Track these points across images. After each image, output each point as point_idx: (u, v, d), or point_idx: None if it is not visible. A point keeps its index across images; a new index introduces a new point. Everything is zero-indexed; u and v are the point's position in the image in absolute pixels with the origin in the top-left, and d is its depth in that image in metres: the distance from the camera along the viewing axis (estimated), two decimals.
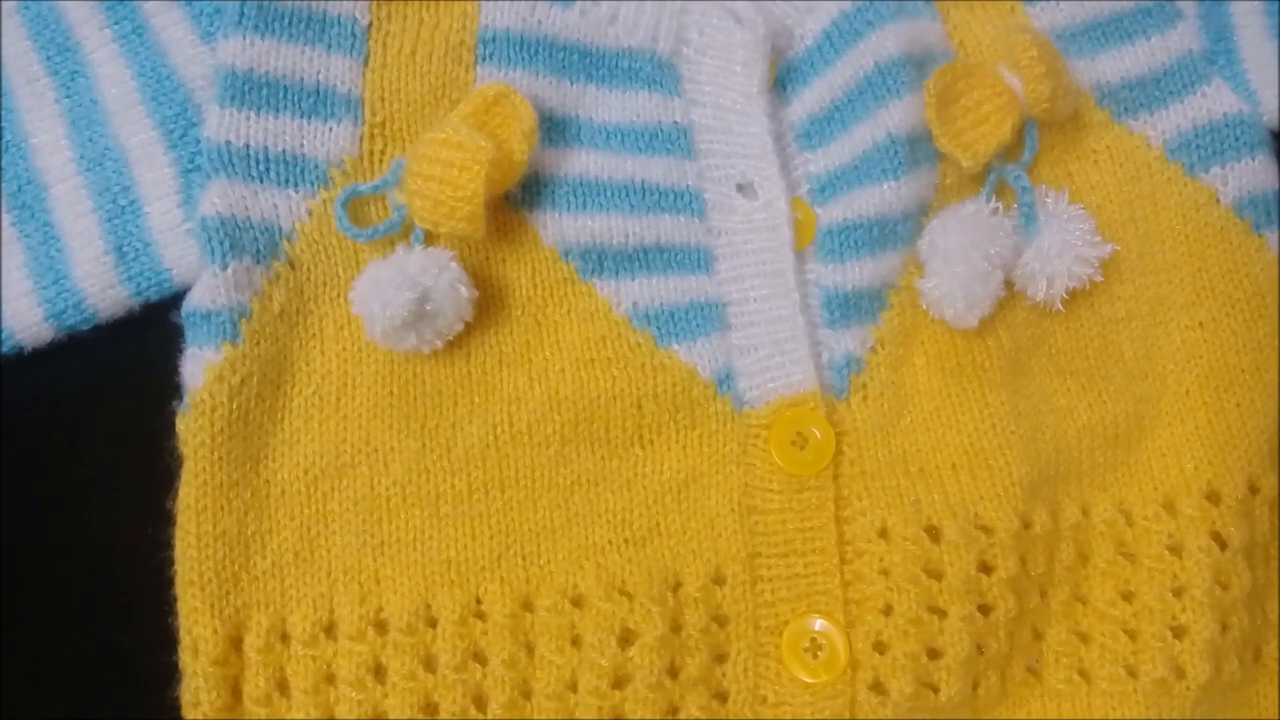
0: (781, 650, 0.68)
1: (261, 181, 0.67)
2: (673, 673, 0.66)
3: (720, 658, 0.68)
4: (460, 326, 0.67)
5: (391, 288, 0.64)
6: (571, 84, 0.70)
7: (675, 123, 0.70)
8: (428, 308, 0.65)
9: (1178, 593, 0.69)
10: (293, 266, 0.67)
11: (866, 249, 0.70)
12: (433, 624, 0.66)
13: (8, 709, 0.69)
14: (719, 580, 0.68)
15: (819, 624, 0.68)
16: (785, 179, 0.70)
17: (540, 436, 0.68)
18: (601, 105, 0.70)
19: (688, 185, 0.70)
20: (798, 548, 0.68)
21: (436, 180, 0.65)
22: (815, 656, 0.67)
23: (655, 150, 0.70)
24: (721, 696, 0.67)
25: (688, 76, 0.71)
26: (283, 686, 0.66)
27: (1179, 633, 0.69)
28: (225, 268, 0.65)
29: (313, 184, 0.68)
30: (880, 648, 0.68)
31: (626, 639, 0.66)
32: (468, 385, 0.68)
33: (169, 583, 0.66)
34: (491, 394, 0.68)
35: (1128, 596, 0.70)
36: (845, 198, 0.70)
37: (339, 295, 0.68)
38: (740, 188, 0.70)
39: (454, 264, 0.66)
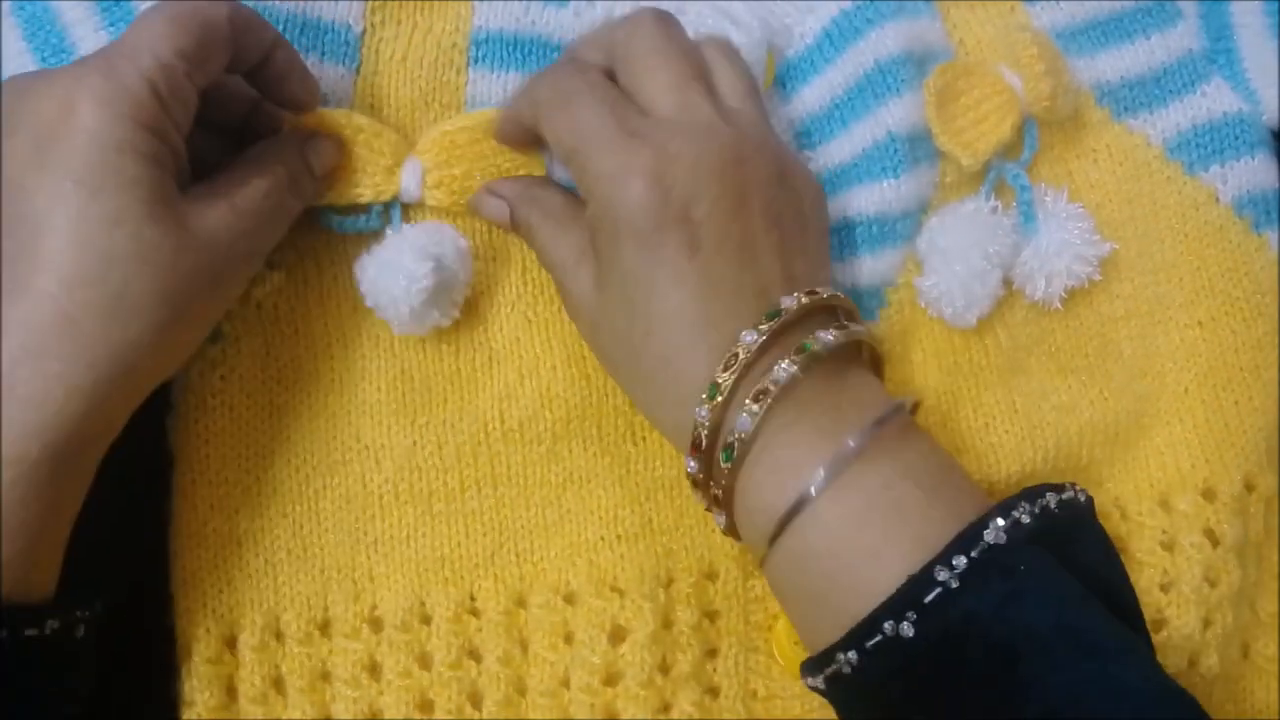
0: (771, 644, 0.68)
1: None
2: (664, 669, 0.66)
3: (711, 653, 0.68)
4: (468, 291, 0.68)
5: (410, 261, 0.65)
6: None
7: None
8: (443, 275, 0.66)
9: (1165, 587, 0.69)
10: (270, 266, 0.68)
11: (865, 247, 0.70)
12: (427, 621, 0.67)
13: None
14: (711, 576, 0.68)
15: None
16: None
17: (532, 434, 0.68)
18: None
19: None
20: None
21: (462, 170, 0.67)
22: (805, 650, 0.67)
23: None
24: (713, 692, 0.68)
25: None
26: (278, 684, 0.66)
27: (1158, 625, 0.69)
28: None
29: None
30: None
31: (618, 636, 0.66)
32: (458, 382, 0.68)
33: (164, 581, 0.66)
34: (482, 391, 0.68)
35: None
36: (845, 195, 0.70)
37: (324, 294, 0.68)
38: None
39: (448, 227, 0.67)
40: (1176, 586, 0.69)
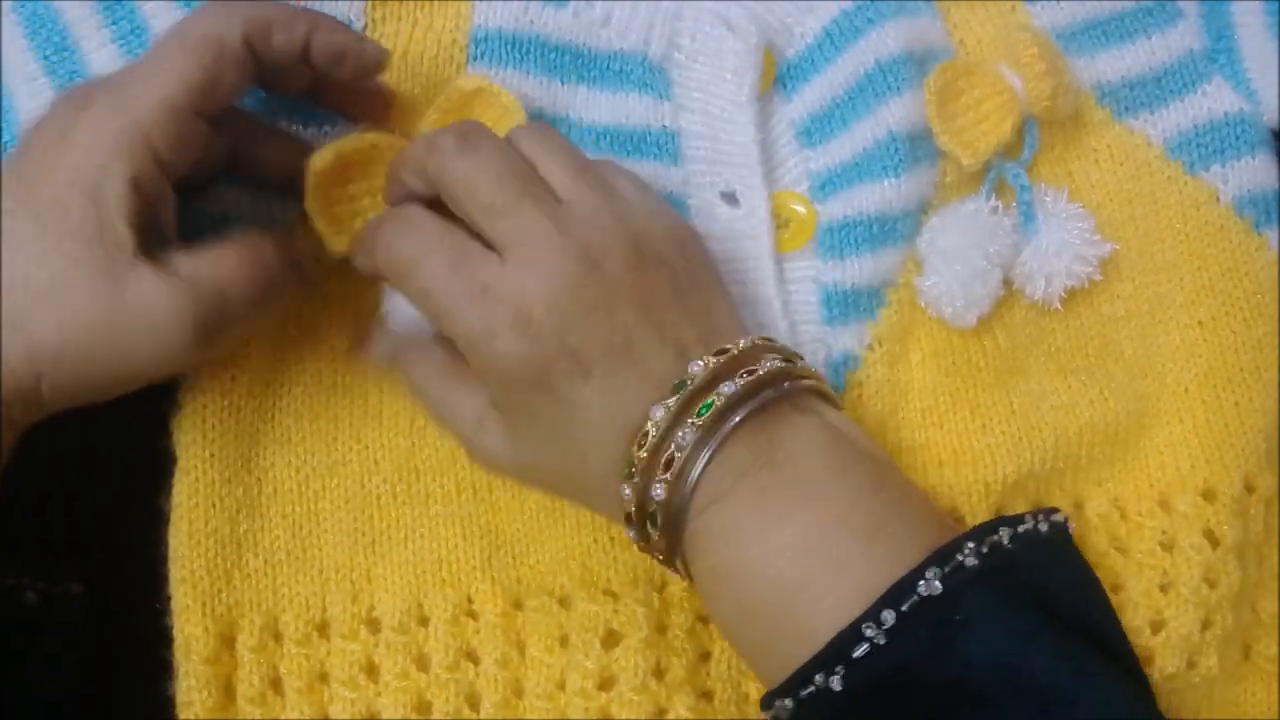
0: None
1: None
2: (659, 674, 0.66)
3: (704, 656, 0.68)
4: None
5: None
6: (562, 84, 0.70)
7: (664, 127, 0.71)
8: None
9: (1164, 588, 0.69)
10: None
11: (866, 246, 0.70)
12: (425, 623, 0.67)
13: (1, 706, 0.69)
14: None
15: None
16: (769, 188, 0.70)
17: None
18: (591, 106, 0.70)
19: (671, 191, 0.70)
20: None
21: None
22: None
23: (642, 154, 0.70)
24: (707, 696, 0.67)
25: (678, 82, 0.70)
26: (276, 685, 0.66)
27: (1157, 626, 0.69)
28: None
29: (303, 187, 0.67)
30: None
31: (612, 640, 0.66)
32: None
33: (163, 581, 0.66)
34: None
35: (1115, 588, 0.69)
36: (845, 194, 0.70)
37: (328, 295, 0.68)
38: (724, 195, 0.70)
39: None
40: (1175, 588, 0.69)
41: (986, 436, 0.69)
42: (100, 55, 0.68)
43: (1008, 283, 0.71)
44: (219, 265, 0.60)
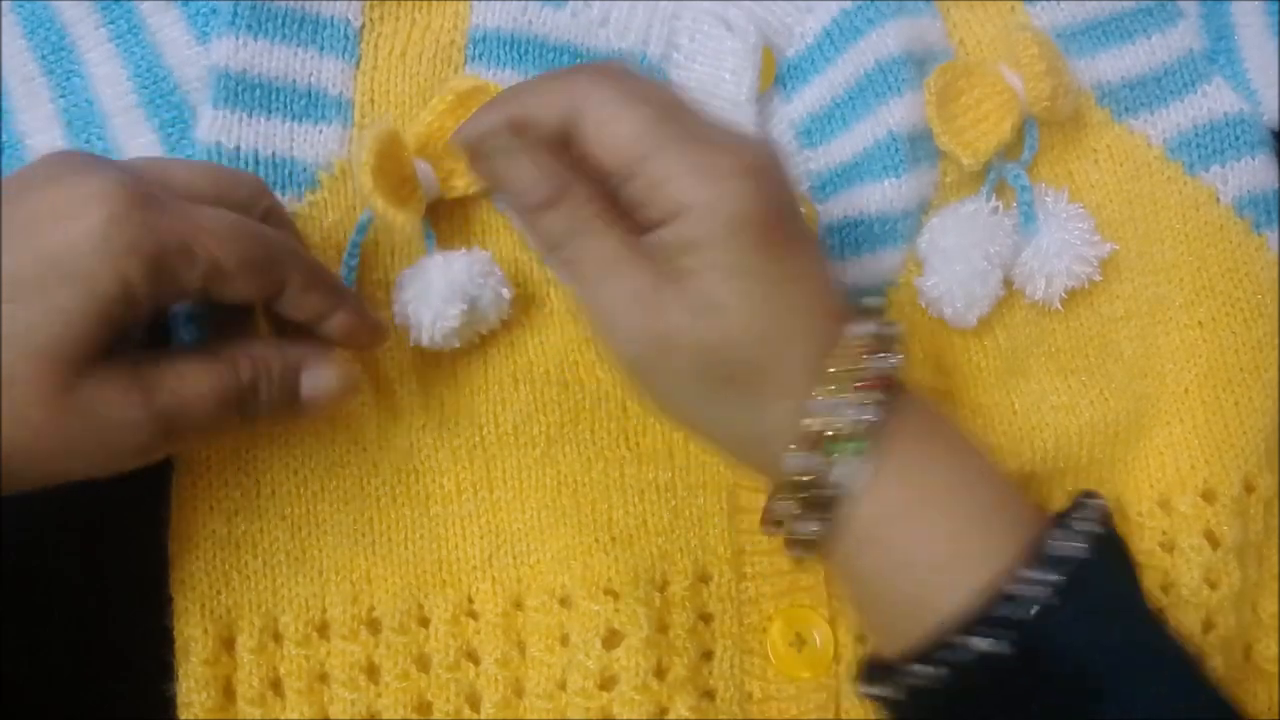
0: (766, 646, 0.68)
1: None
2: (660, 673, 0.66)
3: (706, 656, 0.68)
4: (499, 324, 0.67)
5: (440, 300, 0.64)
6: None
7: None
8: (474, 313, 0.65)
9: (1165, 589, 0.69)
10: None
11: (867, 246, 0.70)
12: (425, 623, 0.67)
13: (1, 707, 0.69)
14: (704, 578, 0.68)
15: (804, 618, 0.68)
16: None
17: (526, 437, 0.68)
18: None
19: None
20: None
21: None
22: (800, 651, 0.68)
23: None
24: (709, 695, 0.67)
25: (677, 81, 0.70)
26: (276, 686, 0.66)
27: None
28: None
29: (300, 187, 0.67)
30: (864, 641, 0.68)
31: (613, 640, 0.66)
32: (454, 385, 0.68)
33: (163, 582, 0.66)
34: (477, 394, 0.68)
35: None
36: (846, 195, 0.71)
37: None
38: None
39: (497, 269, 0.66)
40: (1175, 589, 0.69)
41: (987, 436, 0.70)
42: (97, 54, 0.68)
43: (1008, 283, 0.71)
44: (183, 377, 0.56)
